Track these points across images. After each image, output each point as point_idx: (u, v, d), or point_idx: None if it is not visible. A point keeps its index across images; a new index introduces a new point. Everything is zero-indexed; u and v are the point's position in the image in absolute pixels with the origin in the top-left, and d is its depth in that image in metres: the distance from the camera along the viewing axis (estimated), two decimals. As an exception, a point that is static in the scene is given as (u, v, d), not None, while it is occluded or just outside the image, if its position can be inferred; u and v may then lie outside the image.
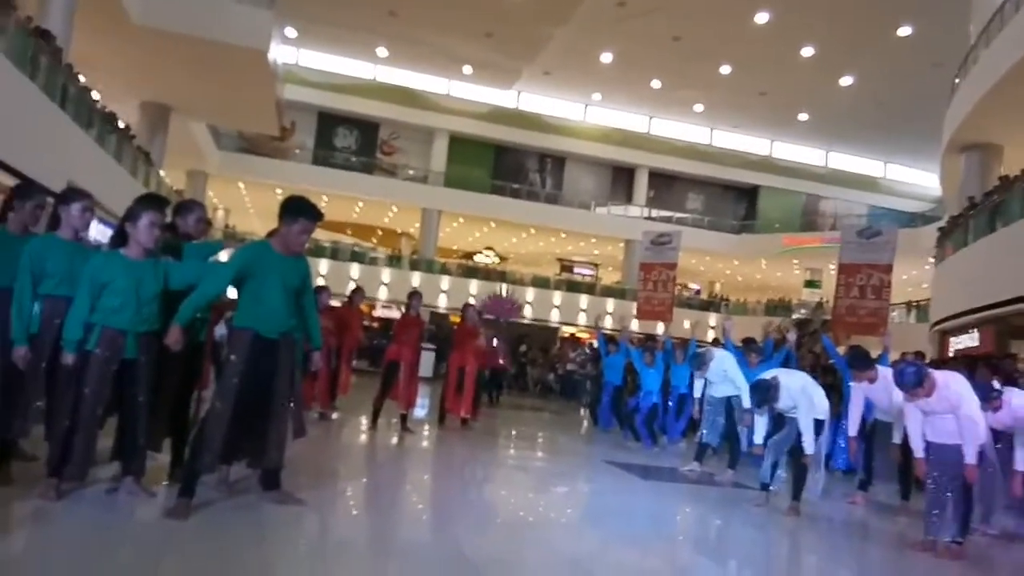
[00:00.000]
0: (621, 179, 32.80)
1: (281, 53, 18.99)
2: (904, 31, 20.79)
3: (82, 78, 12.79)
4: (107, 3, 13.00)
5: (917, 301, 22.82)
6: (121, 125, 15.16)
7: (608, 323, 23.04)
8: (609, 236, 29.82)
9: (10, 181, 8.84)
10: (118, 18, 13.55)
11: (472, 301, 12.67)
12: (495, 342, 13.96)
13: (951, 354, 14.03)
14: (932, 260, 17.85)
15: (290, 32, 24.44)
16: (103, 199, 10.21)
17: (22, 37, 10.07)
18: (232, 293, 3.98)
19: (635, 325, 13.49)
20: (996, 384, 5.87)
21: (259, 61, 15.51)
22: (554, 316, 26.94)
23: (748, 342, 8.29)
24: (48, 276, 3.83)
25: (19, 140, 9.76)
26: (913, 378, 4.64)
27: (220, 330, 5.45)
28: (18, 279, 3.78)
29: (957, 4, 17.26)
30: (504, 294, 20.99)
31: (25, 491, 3.63)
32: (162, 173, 19.05)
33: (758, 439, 5.96)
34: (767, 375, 5.86)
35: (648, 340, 10.64)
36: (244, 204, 29.83)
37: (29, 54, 10.20)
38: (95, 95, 13.70)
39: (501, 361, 14.34)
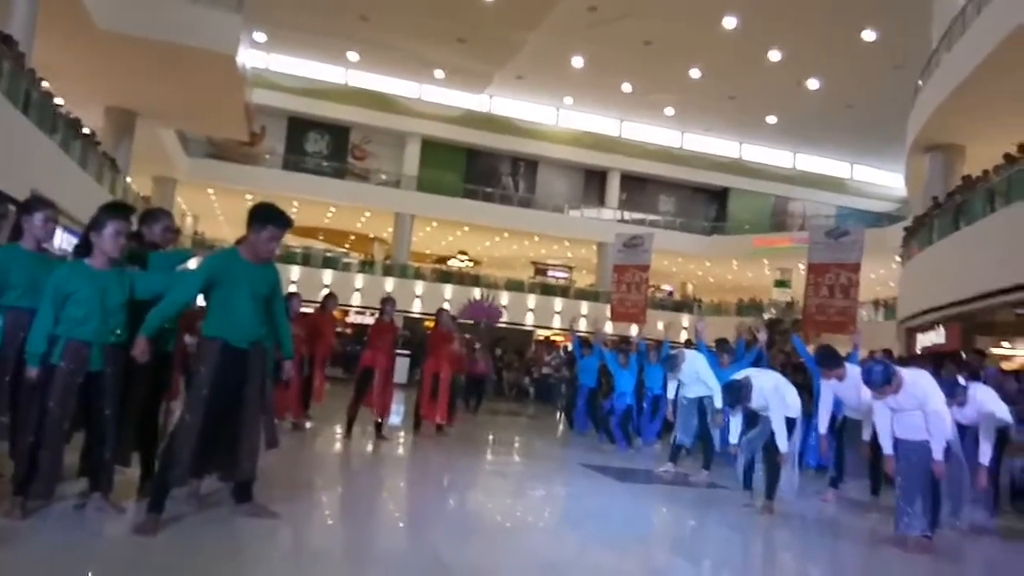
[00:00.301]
0: (593, 182, 32.99)
1: (250, 57, 18.80)
2: (868, 35, 21.19)
3: (45, 84, 12.54)
4: (71, 7, 12.76)
5: (885, 299, 23.22)
6: (86, 131, 14.88)
7: (583, 326, 23.14)
8: (582, 239, 29.97)
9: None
10: (82, 22, 13.30)
11: (446, 306, 12.39)
12: (476, 347, 13.87)
13: (918, 351, 14.29)
14: (898, 259, 18.18)
15: (259, 36, 24.23)
16: (68, 207, 10.05)
17: (-18, 43, 9.85)
18: (201, 302, 3.92)
19: (609, 327, 13.47)
20: (961, 380, 5.99)
21: (227, 66, 15.33)
22: (529, 319, 27.00)
23: (721, 343, 8.37)
24: (11, 287, 3.75)
25: (-20, 148, 9.54)
26: (880, 376, 4.72)
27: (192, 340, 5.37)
28: (-21, 291, 3.70)
29: (919, 8, 17.62)
30: (484, 298, 20.91)
31: (-11, 509, 3.54)
32: (128, 180, 18.74)
33: (734, 439, 6.01)
34: (739, 375, 5.91)
35: (622, 342, 10.68)
36: (214, 210, 29.46)
37: (-10, 60, 9.99)
38: (59, 101, 13.44)
39: (482, 367, 14.02)
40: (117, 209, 3.80)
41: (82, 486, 3.84)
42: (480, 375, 13.94)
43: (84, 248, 3.72)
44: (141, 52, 14.63)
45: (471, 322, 17.09)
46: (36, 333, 3.53)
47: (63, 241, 10.82)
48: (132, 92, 17.28)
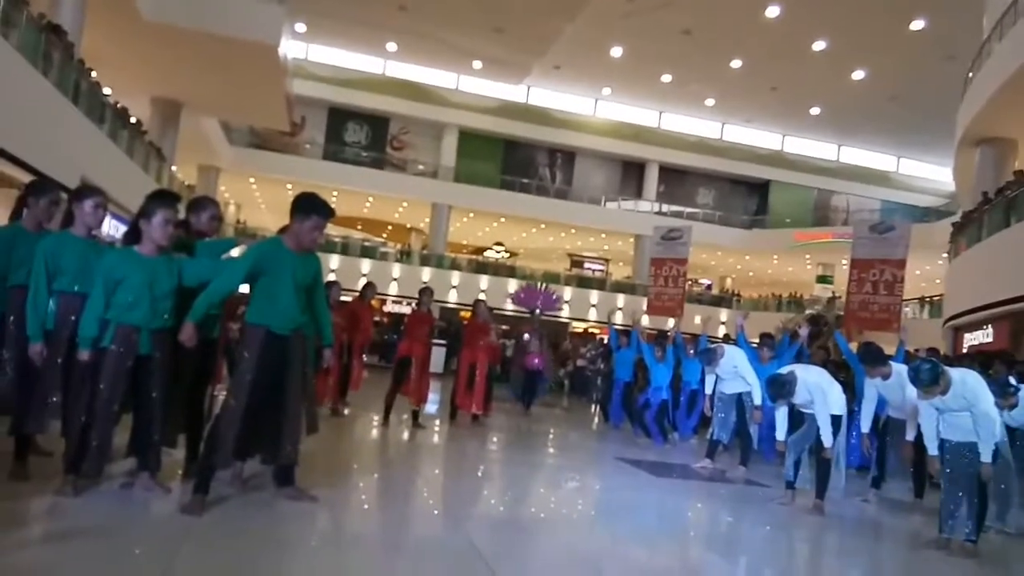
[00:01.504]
0: (631, 174, 32.72)
1: (291, 48, 19.02)
2: (917, 24, 20.61)
3: (94, 74, 12.84)
4: (119, -1, 13.05)
5: (930, 297, 22.68)
6: (133, 121, 15.22)
7: (619, 318, 23.01)
8: (619, 231, 29.77)
9: (25, 177, 8.90)
10: (130, 14, 13.59)
11: (483, 296, 12.28)
12: (525, 338, 12.72)
13: (965, 350, 13.94)
14: (945, 255, 17.73)
15: (300, 27, 24.47)
16: (116, 195, 10.28)
17: (34, 33, 10.11)
18: (244, 289, 3.99)
19: (646, 320, 13.23)
20: (1012, 380, 5.82)
21: (270, 56, 15.54)
22: (564, 311, 26.95)
23: (764, 337, 8.25)
24: (63, 273, 3.84)
25: (33, 136, 9.81)
26: (928, 375, 4.61)
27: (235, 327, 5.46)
28: (33, 276, 3.81)
29: (971, -3, 17.11)
30: (539, 284, 19.69)
31: (42, 487, 3.66)
32: (174, 168, 19.13)
33: (780, 436, 5.94)
34: (784, 370, 5.84)
35: (659, 335, 10.58)
36: (255, 199, 29.94)
37: (41, 50, 10.25)
38: (107, 91, 13.75)
39: (536, 361, 12.05)
40: (165, 198, 3.88)
41: (130, 466, 3.95)
42: (534, 370, 12.13)
43: (133, 235, 3.81)
44: (186, 43, 14.91)
45: (525, 311, 15.93)
46: (88, 317, 3.62)
47: (112, 228, 11.10)
48: (177, 82, 17.62)
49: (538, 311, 16.08)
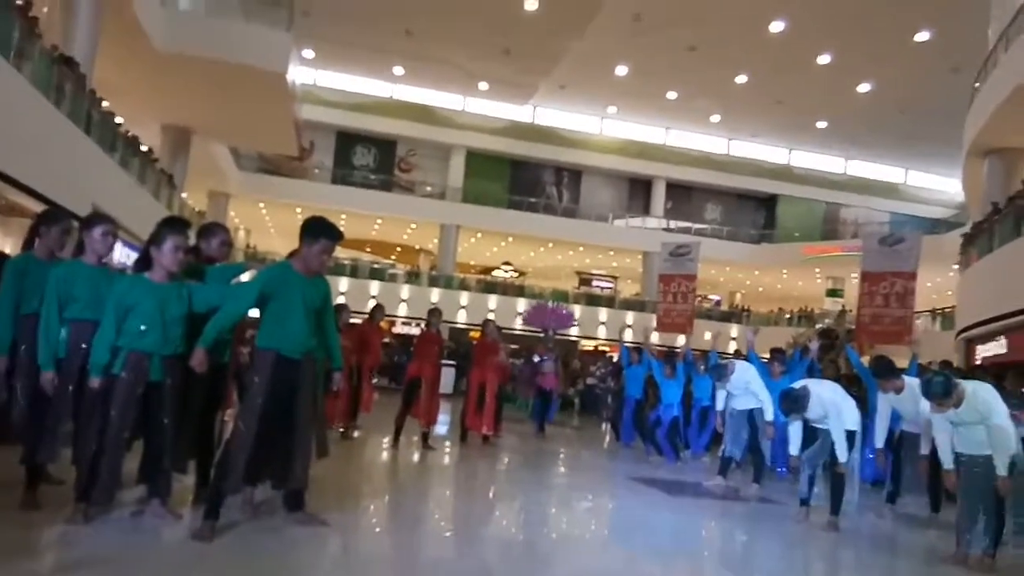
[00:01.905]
0: (638, 191, 32.78)
1: (299, 74, 19.24)
2: (922, 36, 20.65)
3: (105, 103, 13.02)
4: (130, 30, 13.25)
5: (942, 309, 22.51)
6: (144, 148, 15.40)
7: (628, 336, 22.94)
8: (627, 248, 29.78)
9: (38, 207, 9.00)
10: (141, 44, 13.80)
11: (491, 316, 12.16)
12: (537, 359, 12.37)
13: (978, 362, 13.81)
14: (956, 267, 17.61)
15: (308, 53, 24.77)
16: (127, 223, 10.39)
17: (47, 65, 10.28)
18: (254, 314, 4.02)
19: (656, 337, 13.10)
20: (1026, 393, 5.76)
21: (278, 82, 15.72)
22: (573, 330, 26.89)
23: (775, 352, 8.21)
24: (74, 300, 3.87)
25: (46, 166, 9.94)
26: (941, 388, 4.58)
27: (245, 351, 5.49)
28: (44, 304, 3.84)
29: (976, 8, 17.12)
30: (551, 302, 19.16)
31: (53, 515, 3.67)
32: (184, 195, 19.31)
33: (794, 451, 5.90)
34: (797, 385, 5.81)
35: (669, 353, 10.51)
36: (265, 224, 30.15)
37: (54, 81, 10.41)
38: (118, 120, 13.93)
39: (548, 385, 11.76)
40: (175, 224, 3.92)
41: (141, 493, 3.95)
42: (548, 390, 11.88)
43: (144, 262, 3.84)
44: (196, 71, 15.12)
45: (538, 330, 15.00)
46: (99, 344, 3.65)
47: (124, 256, 11.20)
48: (187, 110, 17.84)
49: (551, 331, 15.46)
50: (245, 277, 4.51)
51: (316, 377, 4.01)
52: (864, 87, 24.44)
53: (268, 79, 15.46)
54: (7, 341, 3.94)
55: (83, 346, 3.78)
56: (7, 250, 4.40)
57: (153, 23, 13.77)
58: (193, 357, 3.74)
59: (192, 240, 4.25)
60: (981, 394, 4.67)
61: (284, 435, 3.85)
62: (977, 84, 15.95)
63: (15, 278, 4.00)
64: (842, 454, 5.54)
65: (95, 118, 12.09)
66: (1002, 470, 4.57)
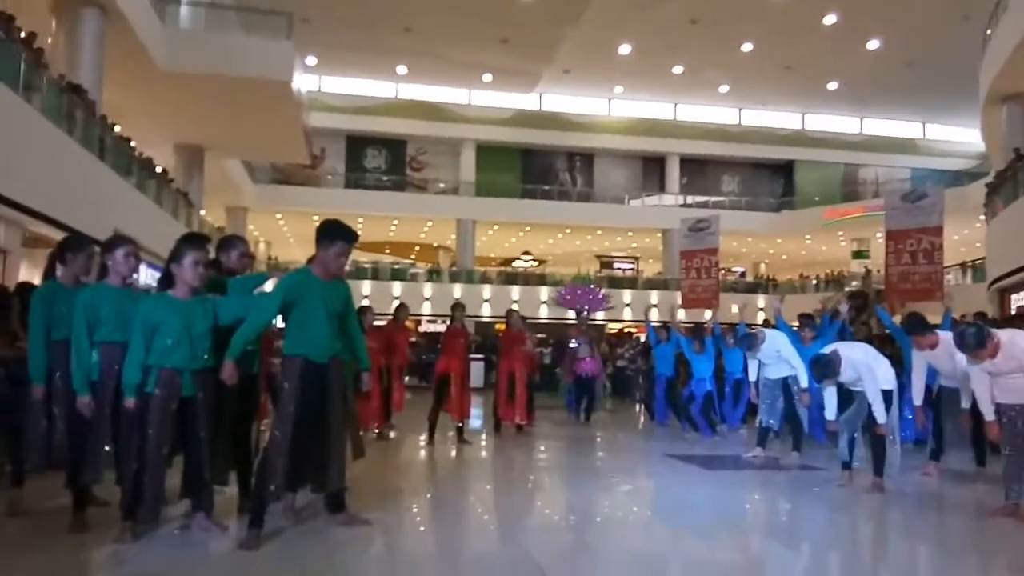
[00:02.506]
0: (652, 169, 32.55)
1: (304, 82, 19.31)
2: (929, -14, 20.25)
3: (117, 128, 13.17)
4: (133, 53, 13.38)
5: (972, 261, 22.14)
6: (158, 169, 15.56)
7: (655, 315, 22.81)
8: (646, 228, 29.61)
9: (58, 235, 9.12)
10: (146, 65, 13.93)
11: (515, 307, 11.98)
12: (572, 344, 11.69)
13: (1013, 312, 13.56)
14: (983, 217, 17.29)
15: (311, 60, 24.84)
16: (149, 244, 10.51)
17: (56, 95, 10.41)
18: (279, 322, 4.04)
19: (682, 314, 12.93)
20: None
21: (283, 92, 15.80)
22: (599, 313, 26.80)
23: (803, 318, 8.12)
24: (102, 323, 3.92)
25: (65, 195, 10.08)
26: (974, 339, 4.50)
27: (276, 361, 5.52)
28: (74, 330, 3.89)
29: (982, -48, 16.73)
30: (584, 282, 17.21)
31: (102, 536, 3.73)
32: (203, 212, 19.50)
33: (831, 415, 5.84)
34: (827, 349, 5.73)
35: (696, 328, 10.41)
36: (284, 235, 30.38)
37: (64, 110, 10.54)
38: (132, 143, 14.09)
39: (588, 368, 11.03)
40: (194, 240, 3.95)
41: (185, 507, 4.00)
42: (588, 377, 11.11)
43: (167, 280, 3.88)
44: (202, 88, 15.24)
45: (575, 312, 12.98)
46: (130, 365, 3.69)
47: (149, 277, 11.34)
48: (197, 127, 17.98)
49: (585, 313, 14.12)
50: (268, 287, 4.54)
51: (345, 379, 4.03)
52: (873, 44, 24.01)
53: (273, 89, 15.54)
54: (42, 370, 4.00)
55: (115, 367, 3.83)
56: (36, 281, 4.48)
57: (155, 43, 13.90)
58: (223, 370, 3.78)
59: (212, 254, 4.28)
60: (1019, 342, 4.58)
61: (319, 439, 3.88)
62: (989, 31, 15.60)
63: (43, 307, 4.06)
64: (880, 415, 5.47)
65: (108, 143, 12.24)
66: (1047, 418, 4.48)
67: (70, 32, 12.35)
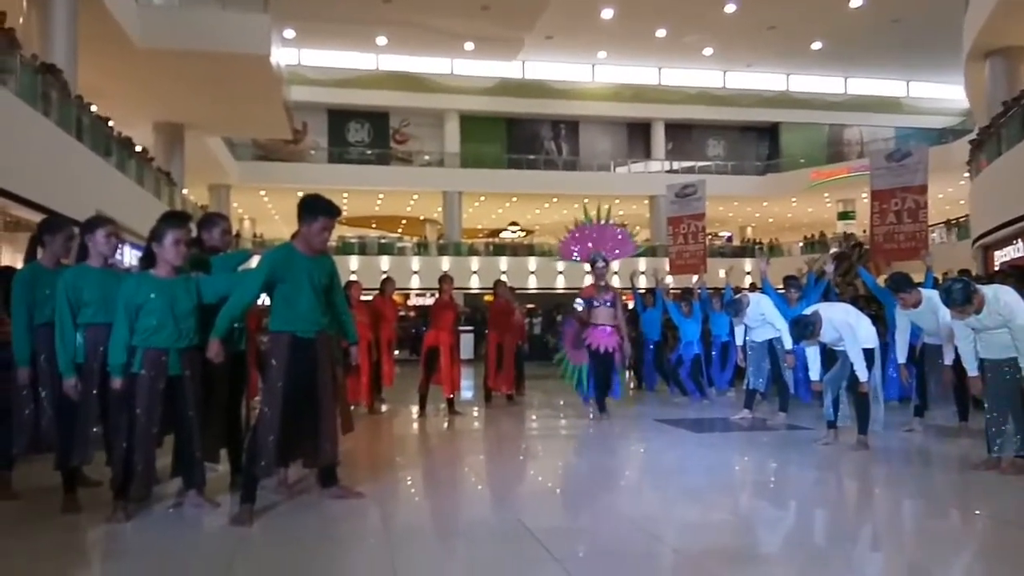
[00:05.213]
0: (637, 135, 32.38)
1: (283, 55, 19.01)
2: (911, -59, 20.06)
3: (94, 108, 12.95)
4: (107, 30, 13.11)
5: (956, 219, 22.26)
6: (138, 149, 15.34)
7: (643, 282, 22.84)
8: (632, 195, 29.53)
9: (38, 218, 9.01)
10: (121, 43, 13.67)
11: (504, 278, 11.83)
12: (578, 305, 8.36)
13: (997, 268, 13.68)
14: (967, 175, 17.35)
15: (289, 33, 24.42)
16: (132, 224, 10.41)
17: (30, 75, 10.20)
18: (264, 299, 4.03)
19: (670, 280, 12.90)
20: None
21: (262, 66, 15.55)
22: (587, 282, 26.81)
23: (788, 279, 8.17)
24: (85, 305, 3.91)
25: (43, 177, 9.93)
26: (961, 294, 4.54)
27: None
28: (57, 312, 3.88)
29: (964, -95, 16.56)
30: (602, 221, 10.43)
31: (95, 516, 3.75)
32: (185, 191, 19.29)
33: (814, 375, 5.91)
34: (807, 311, 5.78)
35: (684, 293, 10.37)
36: (268, 211, 30.12)
37: (39, 91, 10.34)
38: (110, 122, 13.87)
39: (607, 340, 7.68)
40: (174, 218, 3.92)
41: (177, 485, 4.02)
42: (604, 352, 7.66)
43: (148, 260, 3.85)
44: (179, 64, 14.98)
45: (589, 263, 8.16)
46: (115, 345, 3.68)
47: (132, 257, 11.24)
48: (177, 105, 17.71)
49: (601, 261, 9.04)
50: (252, 263, 4.51)
51: (332, 352, 4.04)
52: (856, 2, 23.84)
53: (252, 63, 15.29)
54: (26, 353, 3.99)
55: (100, 349, 3.82)
56: (18, 265, 4.43)
57: (129, 20, 13.62)
58: (209, 348, 3.76)
59: (194, 232, 4.24)
60: (1003, 297, 4.63)
61: (309, 414, 3.89)
62: (972, -16, 15.52)
63: (25, 290, 4.04)
64: (862, 373, 5.54)
65: (85, 123, 12.04)
66: (1028, 371, 4.55)
67: (42, 11, 12.06)
